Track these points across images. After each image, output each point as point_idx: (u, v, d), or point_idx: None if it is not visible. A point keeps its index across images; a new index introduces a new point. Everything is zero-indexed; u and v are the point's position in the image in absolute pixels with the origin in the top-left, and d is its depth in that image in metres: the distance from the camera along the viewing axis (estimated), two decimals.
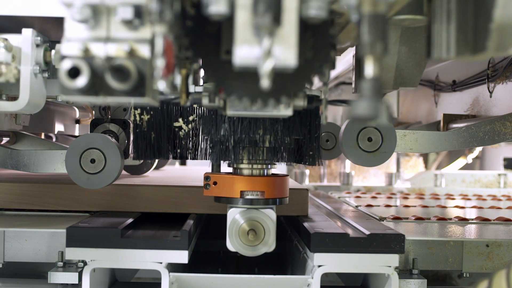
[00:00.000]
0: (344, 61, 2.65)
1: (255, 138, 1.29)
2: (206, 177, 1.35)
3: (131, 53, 0.94)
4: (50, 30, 1.35)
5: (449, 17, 1.06)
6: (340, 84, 3.52)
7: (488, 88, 2.09)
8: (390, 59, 1.57)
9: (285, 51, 0.90)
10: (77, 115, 2.70)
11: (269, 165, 1.35)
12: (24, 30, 1.27)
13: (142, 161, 2.22)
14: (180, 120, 1.44)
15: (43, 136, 2.47)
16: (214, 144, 1.33)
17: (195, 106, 1.42)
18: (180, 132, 1.44)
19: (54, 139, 2.60)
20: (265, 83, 0.90)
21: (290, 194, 1.65)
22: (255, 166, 1.34)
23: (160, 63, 0.94)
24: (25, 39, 1.27)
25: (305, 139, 1.40)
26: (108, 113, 1.93)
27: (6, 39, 1.22)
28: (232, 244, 1.32)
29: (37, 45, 1.29)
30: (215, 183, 1.35)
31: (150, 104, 1.00)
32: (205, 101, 1.15)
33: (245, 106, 1.08)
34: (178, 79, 1.07)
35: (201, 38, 1.04)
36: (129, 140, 1.92)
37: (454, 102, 2.44)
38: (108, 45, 0.95)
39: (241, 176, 1.33)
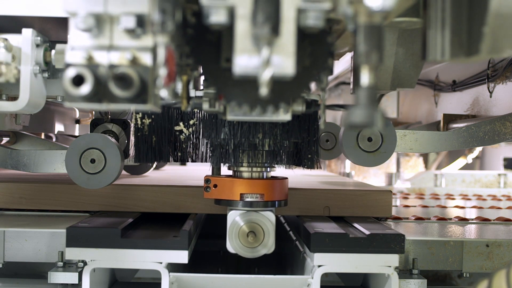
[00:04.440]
0: (344, 61, 2.65)
1: (254, 141, 1.31)
2: (207, 180, 1.37)
3: (134, 61, 0.97)
4: (50, 30, 1.35)
5: (444, 20, 1.08)
6: (340, 84, 3.52)
7: (488, 88, 2.08)
8: (387, 61, 1.57)
9: (283, 60, 0.92)
10: (77, 115, 2.70)
11: (268, 168, 1.37)
12: (24, 30, 1.27)
13: None
14: (181, 124, 1.45)
15: (43, 136, 2.47)
16: (215, 147, 1.35)
17: (195, 110, 1.43)
18: (181, 136, 1.45)
19: (54, 139, 2.60)
20: (264, 91, 0.92)
21: (375, 195, 1.67)
22: (254, 169, 1.36)
23: (162, 72, 0.96)
24: (25, 39, 1.27)
25: (304, 143, 1.41)
26: (108, 113, 1.93)
27: (6, 39, 1.22)
28: (232, 246, 1.33)
29: (37, 45, 1.29)
30: (215, 186, 1.36)
31: (152, 111, 1.01)
32: (205, 106, 1.17)
33: (245, 112, 1.10)
34: (179, 86, 1.09)
35: (202, 46, 1.05)
36: (129, 140, 1.92)
37: (454, 102, 2.44)
38: (111, 53, 0.97)
39: (241, 179, 1.35)
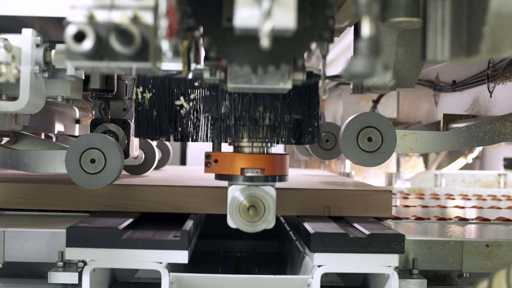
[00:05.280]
0: (344, 61, 2.65)
1: (255, 115, 1.30)
2: (207, 155, 1.36)
3: (135, 20, 0.97)
4: (50, 30, 1.35)
5: (444, 20, 1.08)
6: (340, 84, 3.52)
7: (488, 88, 2.09)
8: (387, 61, 1.57)
9: (284, 13, 0.93)
10: (77, 115, 2.70)
11: (269, 143, 1.36)
12: (24, 30, 1.27)
13: (142, 161, 2.22)
14: (182, 98, 1.44)
15: (43, 136, 2.47)
16: (215, 121, 1.34)
17: (196, 85, 1.42)
18: (182, 111, 1.43)
19: (54, 139, 2.60)
20: (265, 42, 0.92)
21: (374, 195, 1.69)
22: (255, 144, 1.35)
23: (163, 23, 0.96)
24: (25, 39, 1.27)
25: (304, 117, 1.41)
26: (108, 113, 1.93)
27: (6, 39, 1.22)
28: (232, 221, 1.32)
29: (37, 45, 1.29)
30: (216, 161, 1.35)
31: (153, 71, 1.01)
32: (206, 74, 1.16)
33: (246, 75, 1.10)
34: (180, 51, 1.09)
35: (203, 6, 1.06)
36: (129, 140, 1.92)
37: (454, 102, 2.44)
38: (112, 12, 0.97)
39: (242, 154, 1.34)
